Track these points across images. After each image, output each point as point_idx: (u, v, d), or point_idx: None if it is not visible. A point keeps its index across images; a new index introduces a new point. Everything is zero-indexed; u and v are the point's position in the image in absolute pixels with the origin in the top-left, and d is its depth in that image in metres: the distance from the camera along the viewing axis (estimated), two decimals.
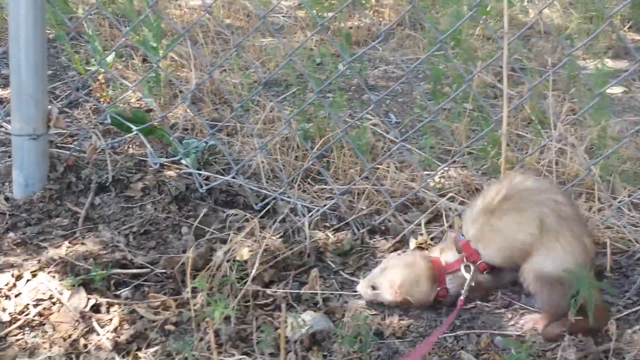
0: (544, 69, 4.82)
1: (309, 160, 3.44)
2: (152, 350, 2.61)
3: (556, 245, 2.60)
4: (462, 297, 2.75)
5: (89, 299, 2.81)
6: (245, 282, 2.85)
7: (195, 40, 5.08)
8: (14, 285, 2.86)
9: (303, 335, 2.65)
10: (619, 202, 3.12)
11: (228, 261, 2.92)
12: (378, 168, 3.60)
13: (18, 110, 3.35)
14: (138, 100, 4.35)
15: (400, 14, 5.79)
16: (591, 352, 2.48)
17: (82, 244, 3.13)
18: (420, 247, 3.13)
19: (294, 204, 3.35)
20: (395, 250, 3.15)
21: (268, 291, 2.92)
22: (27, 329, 2.69)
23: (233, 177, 3.46)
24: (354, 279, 3.00)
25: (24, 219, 3.28)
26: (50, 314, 2.75)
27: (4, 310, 2.75)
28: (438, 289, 2.82)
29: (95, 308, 2.80)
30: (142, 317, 2.77)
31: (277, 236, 3.17)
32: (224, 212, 3.37)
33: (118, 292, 2.90)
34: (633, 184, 3.34)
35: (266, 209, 3.37)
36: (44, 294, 2.82)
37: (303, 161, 3.63)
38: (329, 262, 3.12)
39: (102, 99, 4.24)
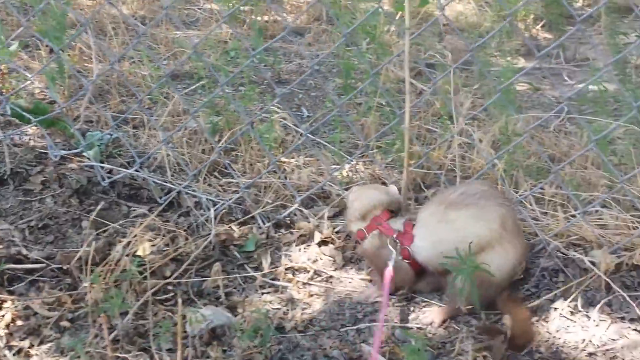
0: (458, 66, 4.86)
1: (214, 153, 3.39)
2: (45, 347, 2.54)
3: (507, 248, 2.63)
4: (389, 268, 2.70)
5: None
6: (145, 277, 2.79)
7: (105, 31, 4.96)
8: None
9: (202, 330, 2.61)
10: (520, 196, 3.15)
11: (127, 255, 2.86)
12: (285, 162, 3.57)
13: None
14: (42, 91, 4.22)
15: (316, 9, 5.77)
16: (490, 344, 2.49)
17: None
18: (324, 241, 3.11)
19: (199, 197, 3.29)
20: (302, 243, 3.14)
21: (169, 286, 2.87)
22: None
23: (136, 170, 3.38)
24: (258, 273, 2.97)
25: None
26: None
27: None
28: (363, 228, 2.84)
29: None
30: (36, 313, 2.69)
31: (181, 230, 3.11)
32: (127, 206, 3.30)
33: (12, 288, 2.80)
34: (536, 178, 3.39)
35: (170, 202, 3.31)
36: None
37: (210, 154, 3.58)
38: (234, 256, 3.08)
39: (3, 90, 4.10)
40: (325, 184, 3.35)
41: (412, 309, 2.79)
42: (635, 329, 2.60)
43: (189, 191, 3.31)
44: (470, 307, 2.59)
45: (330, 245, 3.10)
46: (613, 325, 2.62)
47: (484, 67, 4.33)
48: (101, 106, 4.03)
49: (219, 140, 3.60)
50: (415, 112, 4.21)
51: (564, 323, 2.65)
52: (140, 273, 2.80)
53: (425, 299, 2.82)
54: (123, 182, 3.40)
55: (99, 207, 3.11)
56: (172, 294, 2.83)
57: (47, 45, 4.54)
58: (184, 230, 3.12)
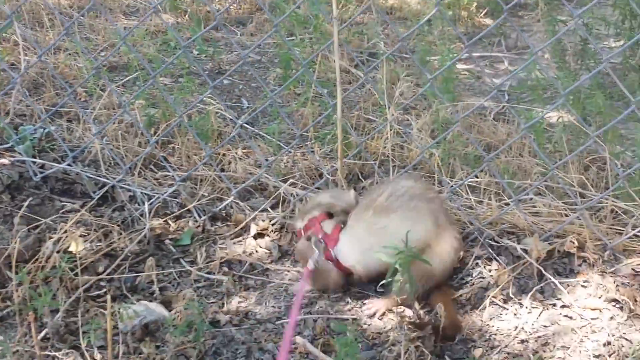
0: (399, 54, 4.87)
1: (149, 146, 3.34)
2: None
3: (443, 243, 2.68)
4: (308, 267, 2.72)
5: None
6: (77, 274, 2.75)
7: (42, 22, 4.87)
8: None
9: (135, 326, 2.58)
10: (451, 185, 3.16)
11: (58, 252, 2.81)
12: (222, 154, 3.54)
13: None
14: None
15: None
16: (422, 334, 2.50)
17: None
18: (261, 234, 3.10)
19: (134, 191, 3.25)
20: (238, 236, 3.11)
21: (102, 282, 2.82)
22: None
23: (69, 165, 3.32)
24: (194, 267, 2.94)
25: None
26: None
27: None
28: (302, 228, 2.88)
29: None
30: None
31: (115, 225, 3.06)
32: (60, 201, 3.24)
33: None
34: (473, 166, 3.41)
35: (104, 197, 3.26)
36: None
37: (146, 148, 3.53)
38: (169, 250, 3.05)
39: None
40: (262, 176, 3.32)
41: (347, 300, 2.78)
42: (566, 316, 2.63)
43: (123, 185, 3.27)
44: (404, 298, 2.59)
45: (267, 238, 3.09)
46: (545, 312, 2.65)
47: (423, 55, 4.36)
48: (34, 99, 3.95)
49: (155, 133, 3.55)
50: (356, 102, 4.21)
51: (497, 311, 2.67)
52: (72, 269, 2.76)
53: (361, 291, 2.81)
54: (56, 176, 3.33)
55: (26, 202, 3.05)
56: (104, 290, 2.79)
57: None
58: (118, 225, 3.08)
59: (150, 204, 3.17)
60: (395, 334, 2.53)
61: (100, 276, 2.83)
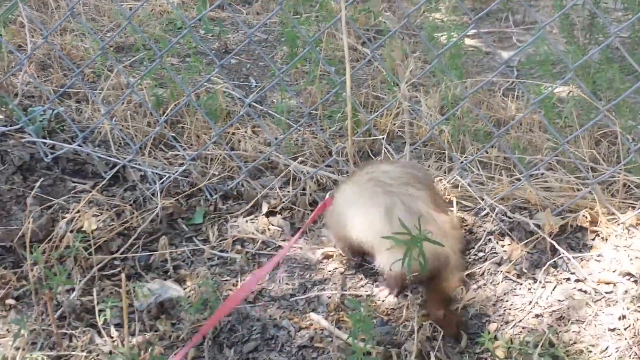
0: (407, 31, 4.85)
1: (158, 126, 3.33)
2: None
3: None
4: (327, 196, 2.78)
5: None
6: (91, 253, 2.76)
7: (47, 4, 4.85)
8: None
9: (151, 304, 2.59)
10: (461, 162, 3.16)
11: (72, 231, 2.82)
12: (232, 133, 3.53)
13: None
14: None
15: None
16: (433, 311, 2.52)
17: None
18: (272, 212, 3.10)
19: (145, 171, 3.25)
20: (250, 214, 3.12)
21: (116, 261, 2.84)
22: None
23: (79, 145, 3.32)
24: (206, 245, 2.95)
25: None
26: None
27: None
28: None
29: None
30: None
31: (127, 204, 3.07)
32: (72, 182, 3.25)
33: None
34: (483, 142, 3.40)
35: (115, 177, 3.26)
36: None
37: (155, 127, 3.53)
38: (181, 229, 3.05)
39: None
40: (272, 154, 3.32)
41: (361, 276, 2.79)
42: (580, 290, 2.63)
43: (134, 165, 3.27)
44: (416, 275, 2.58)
45: (278, 216, 3.09)
46: (559, 287, 2.65)
47: (431, 31, 4.34)
48: (42, 81, 3.95)
49: (164, 113, 3.54)
50: (364, 80, 4.20)
51: (511, 286, 2.68)
52: (86, 249, 2.77)
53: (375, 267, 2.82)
54: (67, 157, 3.34)
55: (38, 183, 3.05)
56: (119, 269, 2.80)
57: None
58: (130, 205, 3.09)
59: (162, 183, 3.17)
60: (408, 310, 2.54)
61: (114, 255, 2.85)
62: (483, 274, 2.75)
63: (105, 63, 4.12)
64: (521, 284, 2.68)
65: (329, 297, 2.68)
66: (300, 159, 3.32)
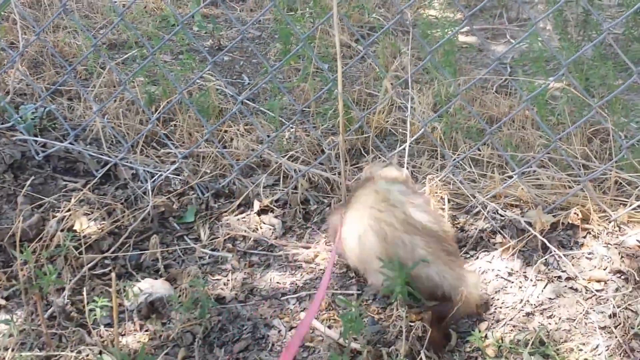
0: (400, 27, 4.84)
1: (149, 124, 3.32)
2: None
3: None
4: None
5: None
6: (81, 252, 2.76)
7: (40, 1, 4.83)
8: None
9: (141, 303, 2.58)
10: (454, 159, 3.15)
11: (62, 230, 2.81)
12: (224, 131, 3.53)
13: None
14: None
15: None
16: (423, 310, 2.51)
17: None
18: (264, 210, 3.09)
19: (136, 169, 3.24)
20: (242, 212, 3.11)
21: (106, 260, 2.83)
22: None
23: (71, 143, 3.31)
24: (198, 244, 2.94)
25: None
26: None
27: None
28: None
29: None
30: None
31: (118, 203, 3.06)
32: (64, 180, 3.24)
33: None
34: (476, 140, 3.40)
35: (107, 175, 3.25)
36: None
37: (147, 125, 3.52)
38: (173, 228, 3.05)
39: None
40: (264, 152, 3.31)
41: (352, 275, 2.78)
42: (571, 288, 2.63)
43: (125, 163, 3.26)
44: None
45: (270, 214, 3.08)
46: (550, 285, 2.64)
47: (425, 28, 4.33)
48: (35, 78, 3.94)
49: (156, 110, 3.53)
50: (357, 77, 4.19)
51: (502, 284, 2.67)
52: (77, 248, 2.76)
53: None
54: (58, 155, 3.33)
55: (29, 181, 3.04)
56: (109, 268, 2.79)
57: None
58: (121, 203, 3.08)
59: (153, 181, 3.17)
60: (397, 310, 2.54)
61: (105, 254, 2.84)
62: (474, 272, 2.74)
63: (98, 60, 4.11)
64: (512, 282, 2.67)
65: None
66: (290, 153, 3.31)
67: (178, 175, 3.24)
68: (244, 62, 4.52)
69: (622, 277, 2.64)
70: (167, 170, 3.22)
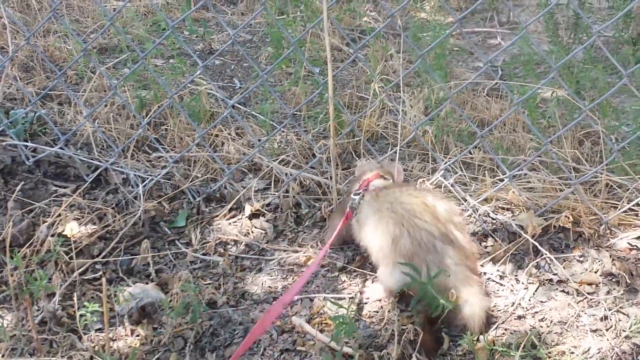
0: (392, 30, 4.84)
1: (140, 128, 3.32)
2: None
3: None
4: (347, 209, 2.75)
5: None
6: (72, 257, 2.74)
7: (30, 5, 4.82)
8: None
9: (132, 308, 2.57)
10: (445, 162, 3.14)
11: (53, 235, 2.80)
12: (215, 135, 3.52)
13: None
14: None
15: None
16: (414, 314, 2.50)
17: None
18: (255, 214, 3.09)
19: (127, 173, 3.23)
20: (233, 217, 3.10)
21: (97, 265, 2.82)
22: None
23: (61, 148, 3.30)
24: (189, 249, 2.93)
25: None
26: None
27: None
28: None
29: None
30: None
31: (109, 207, 3.05)
32: (54, 185, 3.23)
33: None
34: (467, 143, 3.40)
35: (98, 180, 3.24)
36: None
37: (138, 130, 3.51)
38: (164, 232, 3.04)
39: None
40: (255, 156, 3.31)
41: (344, 279, 2.78)
42: (562, 291, 2.63)
43: (116, 168, 3.25)
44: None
45: (261, 218, 3.08)
46: (541, 288, 2.65)
47: (416, 31, 4.33)
48: (25, 83, 3.93)
49: (147, 115, 3.53)
50: (349, 80, 4.19)
51: (493, 287, 2.67)
52: (67, 253, 2.75)
53: (357, 270, 2.81)
54: (49, 160, 3.32)
55: (19, 187, 3.03)
56: (100, 273, 2.78)
57: None
58: (112, 208, 3.07)
59: (144, 186, 3.16)
60: (389, 313, 2.54)
61: (95, 259, 2.83)
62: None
63: (89, 65, 4.10)
64: (504, 286, 2.67)
65: (312, 300, 2.66)
66: (282, 157, 3.31)
67: (169, 179, 3.23)
68: (235, 66, 4.52)
69: (614, 279, 2.65)
70: (158, 174, 3.21)
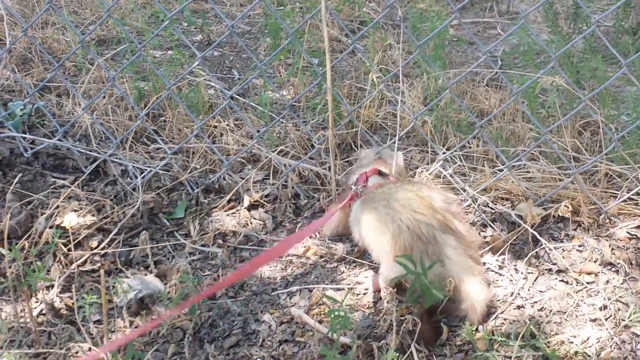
0: (391, 21, 4.83)
1: (138, 120, 3.31)
2: None
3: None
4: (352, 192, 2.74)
5: None
6: (70, 249, 2.74)
7: None
8: None
9: (131, 300, 2.57)
10: (444, 153, 3.13)
11: (51, 227, 2.80)
12: (214, 126, 3.51)
13: None
14: None
15: None
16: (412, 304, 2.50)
17: None
18: (254, 205, 3.08)
19: (125, 165, 3.23)
20: (232, 208, 3.10)
21: (96, 257, 2.82)
22: None
23: (60, 140, 3.29)
24: (188, 240, 2.93)
25: None
26: None
27: None
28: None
29: None
30: None
31: (108, 199, 3.05)
32: (53, 177, 3.22)
33: None
34: (466, 133, 3.39)
35: (96, 171, 3.24)
36: None
37: (136, 121, 3.50)
38: (162, 224, 3.03)
39: None
40: (254, 147, 3.30)
41: (342, 270, 2.78)
42: (562, 280, 2.63)
43: (114, 159, 3.24)
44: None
45: (260, 209, 3.07)
46: (541, 278, 2.65)
47: (415, 22, 4.32)
48: (23, 75, 3.92)
49: (145, 106, 3.52)
50: (348, 71, 4.18)
51: (493, 277, 2.67)
52: (66, 245, 2.75)
53: (357, 260, 2.81)
54: (47, 152, 3.31)
55: (17, 178, 3.03)
56: (99, 264, 2.78)
57: None
58: (111, 200, 3.06)
59: (143, 177, 3.15)
60: (388, 303, 2.53)
61: (94, 251, 2.82)
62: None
63: (87, 56, 4.09)
64: (503, 275, 2.67)
65: (310, 291, 2.66)
66: (280, 148, 3.31)
67: (168, 171, 3.23)
68: (234, 57, 4.51)
69: (613, 269, 2.65)
70: (157, 166, 3.20)
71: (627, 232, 2.79)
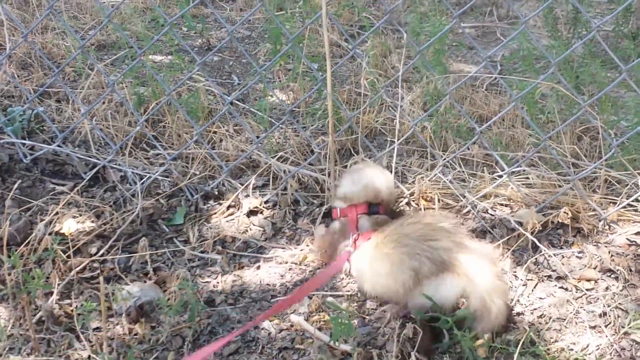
0: (391, 27, 4.83)
1: (137, 125, 3.31)
2: None
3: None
4: (343, 263, 2.58)
5: None
6: (69, 256, 2.74)
7: (28, 2, 4.81)
8: None
9: (130, 307, 2.57)
10: (443, 159, 3.13)
11: (50, 234, 2.80)
12: (213, 132, 3.51)
13: None
14: None
15: None
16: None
17: None
18: (253, 211, 3.08)
19: (125, 171, 3.22)
20: (230, 214, 3.10)
21: (95, 264, 2.81)
22: None
23: (59, 146, 3.29)
24: (187, 246, 2.93)
25: None
26: None
27: None
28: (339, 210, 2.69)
29: None
30: None
31: (107, 205, 3.05)
32: (52, 183, 3.22)
33: None
34: (465, 139, 3.39)
35: (95, 177, 3.24)
36: None
37: (136, 127, 3.50)
38: (162, 230, 3.03)
39: None
40: (253, 153, 3.30)
41: (342, 277, 2.77)
42: (561, 287, 2.63)
43: (114, 165, 3.24)
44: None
45: (260, 215, 3.07)
46: (540, 284, 2.64)
47: (415, 27, 4.31)
48: (22, 80, 3.92)
49: (145, 112, 3.52)
50: (347, 76, 4.18)
51: None
52: (65, 251, 2.74)
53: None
54: (46, 158, 3.31)
55: (16, 185, 3.03)
56: (98, 271, 2.77)
57: None
58: (110, 206, 3.06)
59: (142, 183, 3.15)
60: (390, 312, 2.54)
61: (93, 257, 2.82)
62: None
63: (87, 62, 4.09)
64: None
65: (310, 298, 2.66)
66: (280, 153, 3.31)
67: (167, 177, 3.22)
68: (234, 62, 4.51)
69: (612, 275, 2.64)
70: (156, 172, 3.20)
71: (627, 239, 2.79)
